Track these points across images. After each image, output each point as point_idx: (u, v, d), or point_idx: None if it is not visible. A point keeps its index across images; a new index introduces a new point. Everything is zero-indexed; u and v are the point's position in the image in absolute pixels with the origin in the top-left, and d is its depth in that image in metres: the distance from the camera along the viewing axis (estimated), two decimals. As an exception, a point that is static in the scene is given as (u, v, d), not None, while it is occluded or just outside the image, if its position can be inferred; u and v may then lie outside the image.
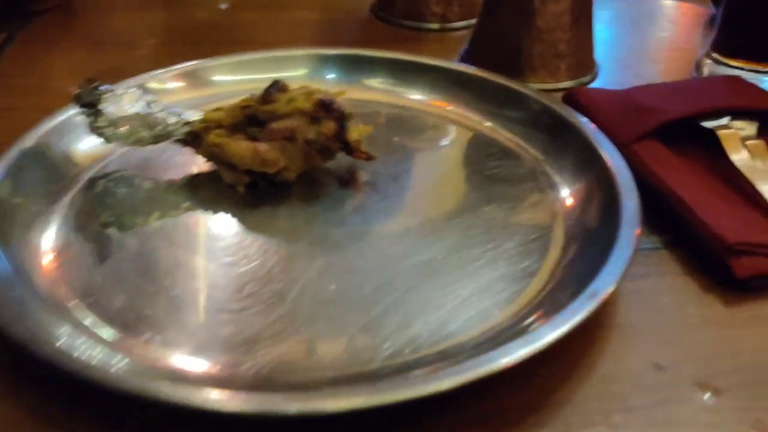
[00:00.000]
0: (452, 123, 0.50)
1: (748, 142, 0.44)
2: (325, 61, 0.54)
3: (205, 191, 0.43)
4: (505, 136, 0.48)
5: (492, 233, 0.39)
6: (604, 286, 0.32)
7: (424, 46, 0.64)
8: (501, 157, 0.46)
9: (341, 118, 0.41)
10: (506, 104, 0.49)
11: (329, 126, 0.41)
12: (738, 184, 0.42)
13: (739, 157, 0.43)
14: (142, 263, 0.37)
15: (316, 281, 0.36)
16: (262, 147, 0.41)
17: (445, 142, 0.49)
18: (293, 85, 0.43)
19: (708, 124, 0.45)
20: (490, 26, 0.57)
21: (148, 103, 0.42)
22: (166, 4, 0.72)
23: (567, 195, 0.42)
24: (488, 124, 0.49)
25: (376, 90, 0.53)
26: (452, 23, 0.68)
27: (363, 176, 0.44)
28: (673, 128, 0.45)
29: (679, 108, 0.46)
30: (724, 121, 0.45)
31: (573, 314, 0.31)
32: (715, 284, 0.36)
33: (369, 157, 0.44)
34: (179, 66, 0.51)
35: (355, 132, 0.43)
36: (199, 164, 0.44)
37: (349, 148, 0.43)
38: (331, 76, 0.54)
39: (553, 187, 0.43)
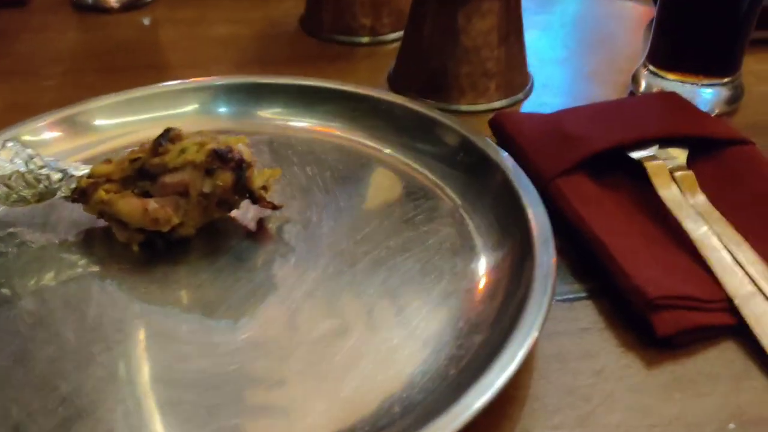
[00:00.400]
0: (369, 159, 0.46)
1: (678, 174, 0.42)
2: (217, 93, 0.49)
3: (100, 249, 0.40)
4: (421, 172, 0.44)
5: (405, 289, 0.37)
6: (513, 359, 0.30)
7: (352, 64, 0.60)
8: (418, 197, 0.43)
9: (239, 167, 0.38)
10: (420, 134, 0.46)
11: (225, 177, 0.38)
12: (666, 221, 0.39)
13: (667, 192, 0.40)
14: (24, 348, 0.33)
15: (212, 356, 0.33)
16: (152, 205, 0.37)
17: (359, 179, 0.45)
18: (188, 128, 0.40)
19: (636, 154, 0.43)
20: (415, 46, 0.54)
21: (29, 158, 0.39)
22: (80, 22, 0.67)
23: (483, 245, 0.39)
24: (405, 159, 0.46)
25: (273, 122, 0.49)
26: (383, 36, 0.64)
27: (270, 224, 0.41)
28: (602, 157, 0.43)
29: (605, 138, 0.43)
30: (653, 150, 0.43)
31: (480, 394, 0.28)
32: (637, 340, 0.34)
33: (275, 207, 0.41)
34: (55, 112, 0.46)
35: (259, 179, 0.40)
36: (94, 219, 0.41)
37: (253, 198, 0.40)
38: (223, 110, 0.49)
39: (469, 236, 0.40)
